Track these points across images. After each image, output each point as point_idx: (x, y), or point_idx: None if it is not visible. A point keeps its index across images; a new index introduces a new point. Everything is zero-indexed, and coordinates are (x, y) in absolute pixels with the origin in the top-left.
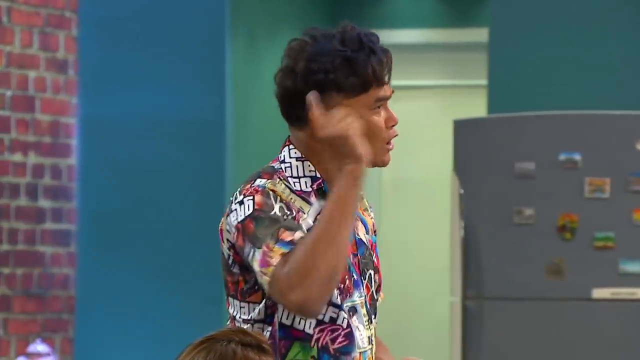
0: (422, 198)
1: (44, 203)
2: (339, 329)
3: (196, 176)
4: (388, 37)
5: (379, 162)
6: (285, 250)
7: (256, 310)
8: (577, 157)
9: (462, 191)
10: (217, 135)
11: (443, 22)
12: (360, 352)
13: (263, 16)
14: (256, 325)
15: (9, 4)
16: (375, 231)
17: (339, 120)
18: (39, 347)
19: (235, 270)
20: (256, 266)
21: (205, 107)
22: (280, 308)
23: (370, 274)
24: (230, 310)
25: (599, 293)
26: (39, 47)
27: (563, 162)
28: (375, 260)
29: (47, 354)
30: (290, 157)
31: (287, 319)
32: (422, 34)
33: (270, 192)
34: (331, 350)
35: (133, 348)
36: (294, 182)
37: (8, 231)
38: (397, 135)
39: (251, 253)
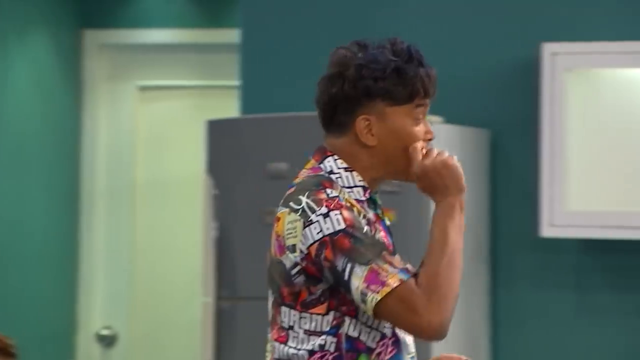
0: (176, 199)
1: None
2: (387, 339)
3: None
4: (138, 36)
5: (412, 175)
6: (402, 277)
7: (320, 322)
8: None
9: (216, 192)
10: None
11: (193, 22)
12: (410, 357)
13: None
14: (320, 337)
15: None
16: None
17: (439, 153)
18: None
19: (299, 280)
20: (359, 282)
21: None
22: (347, 320)
23: None
24: (284, 320)
25: None
26: None
27: None
28: None
29: None
30: (338, 168)
31: (354, 330)
32: (173, 33)
33: (353, 208)
34: None
35: None
36: (348, 192)
37: None
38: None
39: (348, 268)
